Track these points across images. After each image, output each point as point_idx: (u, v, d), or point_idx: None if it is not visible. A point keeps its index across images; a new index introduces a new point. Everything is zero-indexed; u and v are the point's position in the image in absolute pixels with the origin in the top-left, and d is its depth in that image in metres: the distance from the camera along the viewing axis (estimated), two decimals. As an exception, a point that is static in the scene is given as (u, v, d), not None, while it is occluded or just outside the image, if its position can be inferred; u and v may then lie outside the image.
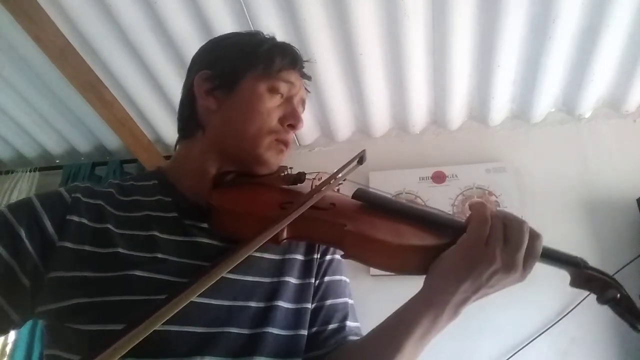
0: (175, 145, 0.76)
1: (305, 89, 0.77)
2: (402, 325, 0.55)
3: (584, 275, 0.56)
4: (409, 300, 0.57)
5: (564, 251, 0.57)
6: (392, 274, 0.55)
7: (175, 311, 0.38)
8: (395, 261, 0.54)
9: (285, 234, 0.59)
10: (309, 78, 0.77)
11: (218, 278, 0.42)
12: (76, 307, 0.53)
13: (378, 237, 0.54)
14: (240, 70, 0.68)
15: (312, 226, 0.59)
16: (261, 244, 0.47)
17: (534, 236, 0.52)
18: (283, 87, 0.69)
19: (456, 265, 0.52)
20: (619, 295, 0.54)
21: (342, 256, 0.57)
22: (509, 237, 0.51)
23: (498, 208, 1.70)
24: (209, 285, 0.41)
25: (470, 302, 0.53)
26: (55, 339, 0.55)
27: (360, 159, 0.69)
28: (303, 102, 0.75)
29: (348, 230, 0.54)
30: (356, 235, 0.54)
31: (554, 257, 0.56)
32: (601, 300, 0.55)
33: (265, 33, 0.75)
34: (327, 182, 0.61)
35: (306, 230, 0.59)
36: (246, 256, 0.45)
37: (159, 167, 0.75)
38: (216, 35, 0.78)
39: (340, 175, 0.64)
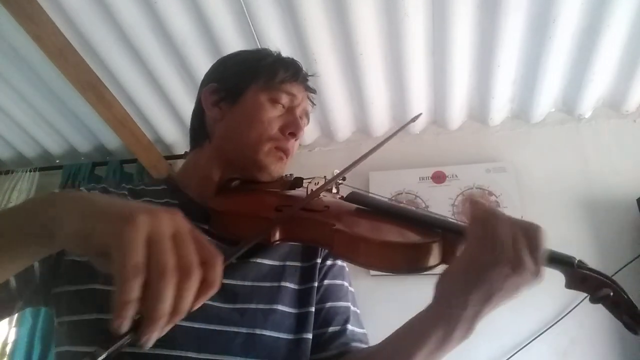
0: (186, 156, 0.81)
1: (311, 101, 0.80)
2: (411, 340, 0.55)
3: (578, 275, 0.52)
4: (420, 313, 0.55)
5: (558, 251, 0.53)
6: (385, 273, 0.55)
7: None
8: (382, 259, 0.54)
9: (278, 235, 0.60)
10: (313, 91, 0.79)
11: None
12: (91, 293, 0.55)
13: (363, 235, 0.55)
14: (243, 83, 0.73)
15: (304, 227, 0.60)
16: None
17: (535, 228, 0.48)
18: (284, 99, 0.73)
19: (463, 275, 0.48)
20: (611, 293, 0.50)
21: (330, 253, 0.57)
22: (519, 237, 0.46)
23: (498, 208, 1.72)
24: None
25: (483, 315, 0.50)
26: (66, 334, 0.56)
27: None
28: (306, 114, 0.78)
29: (336, 229, 0.56)
30: (343, 234, 0.55)
31: (548, 257, 0.51)
32: (592, 299, 0.52)
33: (272, 49, 0.79)
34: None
35: (298, 230, 0.60)
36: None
37: (169, 175, 0.81)
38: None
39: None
